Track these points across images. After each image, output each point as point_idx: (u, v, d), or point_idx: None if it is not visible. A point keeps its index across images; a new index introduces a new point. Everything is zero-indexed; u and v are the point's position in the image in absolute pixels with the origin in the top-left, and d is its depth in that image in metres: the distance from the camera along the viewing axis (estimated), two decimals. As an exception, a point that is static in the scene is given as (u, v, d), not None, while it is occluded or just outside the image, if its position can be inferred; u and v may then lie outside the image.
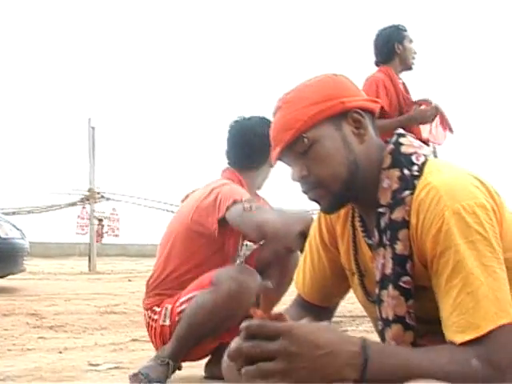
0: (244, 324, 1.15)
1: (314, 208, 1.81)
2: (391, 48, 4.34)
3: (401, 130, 1.47)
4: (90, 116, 11.26)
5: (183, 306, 2.70)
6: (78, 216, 11.69)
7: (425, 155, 1.39)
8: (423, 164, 1.36)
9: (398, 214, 1.34)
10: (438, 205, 1.27)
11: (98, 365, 3.21)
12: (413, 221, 1.32)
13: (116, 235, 16.06)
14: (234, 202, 2.61)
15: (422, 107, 4.30)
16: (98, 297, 6.88)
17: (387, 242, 1.36)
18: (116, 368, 3.13)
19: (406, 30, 4.40)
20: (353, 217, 1.51)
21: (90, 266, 10.96)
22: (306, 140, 1.37)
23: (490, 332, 1.18)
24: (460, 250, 1.23)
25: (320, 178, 1.38)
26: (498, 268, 1.23)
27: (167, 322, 2.75)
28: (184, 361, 2.81)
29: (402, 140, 1.43)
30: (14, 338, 4.21)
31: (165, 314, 2.77)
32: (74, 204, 11.46)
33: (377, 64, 4.42)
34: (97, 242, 15.68)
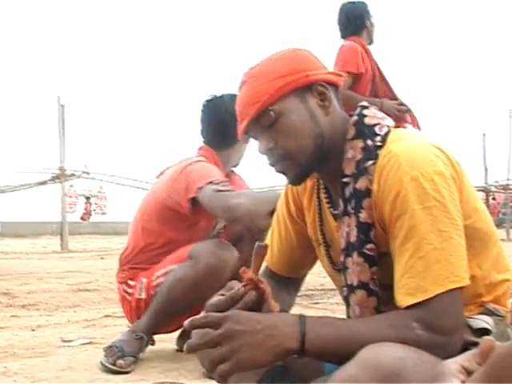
0: (187, 321, 1.24)
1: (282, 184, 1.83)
2: (362, 22, 4.46)
3: (364, 103, 1.51)
4: (60, 94, 11.12)
5: (159, 280, 2.73)
6: (66, 194, 11.61)
7: (388, 126, 1.43)
8: (386, 134, 1.40)
9: (361, 184, 1.38)
10: (397, 171, 1.31)
11: (70, 341, 3.22)
12: (374, 188, 1.36)
13: (104, 213, 15.99)
14: (206, 183, 2.62)
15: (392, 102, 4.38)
16: (70, 275, 6.85)
17: (352, 211, 1.40)
18: (89, 343, 3.15)
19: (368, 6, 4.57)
20: (318, 189, 1.55)
21: (62, 245, 10.89)
22: (272, 113, 1.40)
23: (437, 296, 1.22)
24: (415, 215, 1.27)
25: (287, 150, 1.40)
26: (455, 234, 1.27)
27: (143, 296, 2.78)
28: (156, 334, 2.84)
29: (365, 112, 1.46)
30: (-15, 317, 4.20)
31: (140, 288, 2.80)
32: (44, 183, 11.34)
33: (343, 36, 4.49)
34: (85, 220, 15.58)
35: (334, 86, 1.47)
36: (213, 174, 2.71)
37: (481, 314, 1.40)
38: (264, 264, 1.68)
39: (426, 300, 1.22)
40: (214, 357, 1.20)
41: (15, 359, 2.79)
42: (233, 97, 2.94)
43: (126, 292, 2.85)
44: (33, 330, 3.63)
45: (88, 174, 11.72)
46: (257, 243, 1.31)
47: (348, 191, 1.41)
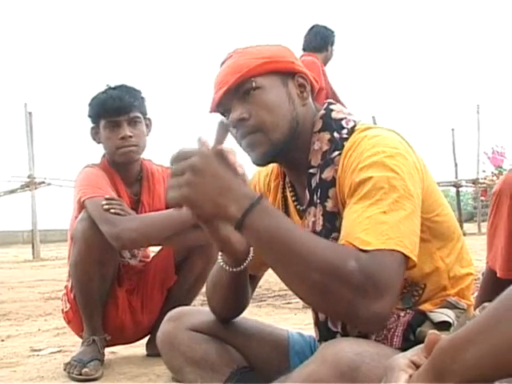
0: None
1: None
2: (326, 43, 5.11)
3: (331, 100, 1.55)
4: (26, 101, 11.00)
5: (70, 281, 2.71)
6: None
7: (354, 121, 1.46)
8: (352, 128, 1.43)
9: (327, 174, 1.40)
10: (359, 149, 1.34)
11: (40, 350, 3.18)
12: (339, 172, 1.38)
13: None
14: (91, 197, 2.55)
15: None
16: (42, 283, 6.78)
17: (318, 201, 1.41)
18: (58, 352, 3.11)
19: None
20: (284, 188, 1.56)
21: (33, 254, 10.77)
22: (254, 83, 1.41)
23: (380, 250, 1.20)
24: (371, 182, 1.28)
25: (261, 123, 1.40)
26: (409, 205, 1.26)
27: (67, 307, 2.76)
28: (127, 343, 2.83)
29: (332, 107, 1.50)
30: (-46, 329, 4.13)
31: (64, 301, 2.79)
32: (14, 191, 11.21)
33: (304, 49, 5.11)
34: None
35: (311, 86, 1.50)
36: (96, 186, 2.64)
37: (443, 307, 1.41)
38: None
39: (372, 250, 1.20)
40: (179, 180, 1.20)
41: (-17, 371, 2.74)
42: None
43: (62, 311, 2.84)
44: (2, 341, 3.58)
45: (54, 180, 11.59)
46: (220, 120, 1.28)
47: (314, 182, 1.43)
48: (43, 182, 11.32)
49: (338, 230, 1.34)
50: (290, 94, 1.45)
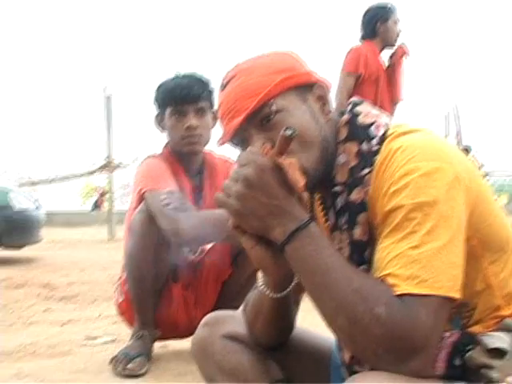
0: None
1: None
2: (374, 27, 4.78)
3: (356, 98, 1.35)
4: (105, 85, 11.17)
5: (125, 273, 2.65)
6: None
7: (385, 124, 1.26)
8: (383, 135, 1.24)
9: (356, 195, 1.22)
10: (391, 166, 1.16)
11: (95, 338, 3.18)
12: (370, 194, 1.21)
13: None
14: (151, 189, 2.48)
15: None
16: (114, 265, 6.87)
17: (344, 226, 1.25)
18: (112, 341, 3.10)
19: (393, 11, 4.82)
20: (312, 198, 1.40)
21: (109, 234, 10.99)
22: (273, 107, 1.22)
23: (412, 296, 1.04)
24: (402, 211, 1.11)
25: (290, 153, 1.18)
26: (445, 233, 1.09)
27: (121, 298, 2.70)
28: (180, 338, 2.76)
29: (358, 109, 1.30)
30: (21, 311, 4.22)
31: (118, 292, 2.73)
32: (92, 173, 11.46)
33: (362, 38, 4.88)
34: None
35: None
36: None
37: (497, 330, 1.24)
38: None
39: (402, 295, 1.05)
40: (229, 187, 1.15)
41: (33, 359, 2.75)
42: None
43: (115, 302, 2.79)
44: (61, 326, 3.62)
45: (132, 163, 11.77)
46: (284, 128, 1.14)
47: (340, 202, 1.25)
48: (120, 165, 11.51)
49: (368, 262, 1.19)
50: (312, 112, 1.25)
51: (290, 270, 1.20)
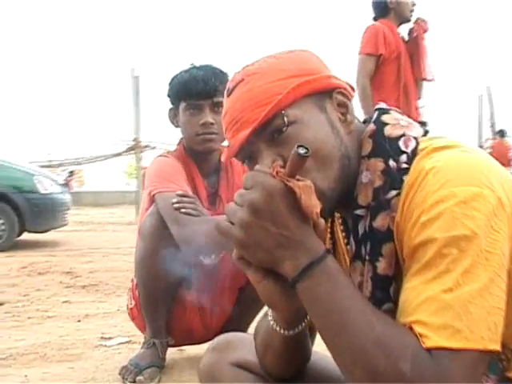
0: None
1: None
2: (385, 3, 4.44)
3: (383, 105, 1.17)
4: (133, 66, 11.07)
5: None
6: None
7: (415, 138, 1.08)
8: (414, 151, 1.05)
9: (381, 222, 1.04)
10: (421, 190, 0.98)
11: (110, 338, 3.07)
12: (397, 220, 1.03)
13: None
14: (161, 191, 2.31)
15: None
16: (139, 250, 6.80)
17: (367, 257, 1.07)
18: (127, 342, 2.99)
19: None
20: (332, 220, 1.23)
21: (137, 216, 10.96)
22: (285, 118, 1.04)
23: (443, 349, 0.87)
24: (435, 246, 0.92)
25: (305, 172, 1.02)
26: (484, 273, 0.91)
27: (132, 304, 2.55)
28: (196, 344, 2.63)
29: (385, 118, 1.12)
30: (40, 302, 4.16)
31: (129, 297, 2.58)
32: (120, 154, 11.41)
33: (375, 19, 4.55)
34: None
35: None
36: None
37: None
38: None
39: (431, 348, 0.88)
40: (234, 210, 0.98)
41: (42, 363, 2.65)
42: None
43: (127, 307, 2.65)
44: (78, 321, 3.52)
45: (159, 144, 11.70)
46: (296, 146, 0.96)
47: (362, 228, 1.08)
48: (148, 146, 11.44)
49: (393, 300, 1.02)
50: (332, 123, 1.08)
51: (302, 305, 1.02)
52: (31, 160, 11.25)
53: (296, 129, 1.04)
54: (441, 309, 0.89)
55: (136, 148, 11.00)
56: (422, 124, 5.21)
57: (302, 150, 0.95)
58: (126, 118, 11.43)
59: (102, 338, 3.09)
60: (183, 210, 2.17)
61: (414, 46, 4.52)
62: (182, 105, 2.43)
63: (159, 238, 2.25)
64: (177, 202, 2.19)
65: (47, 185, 7.43)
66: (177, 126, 2.51)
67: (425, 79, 4.56)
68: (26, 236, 7.81)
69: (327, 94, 1.10)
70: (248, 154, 1.10)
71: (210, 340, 2.67)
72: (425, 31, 4.53)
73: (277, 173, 0.98)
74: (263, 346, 1.29)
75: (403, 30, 4.60)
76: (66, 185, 14.63)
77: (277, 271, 1.00)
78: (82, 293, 4.58)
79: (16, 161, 7.78)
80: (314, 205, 0.96)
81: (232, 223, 0.99)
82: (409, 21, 4.52)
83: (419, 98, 4.60)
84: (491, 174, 0.97)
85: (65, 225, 7.98)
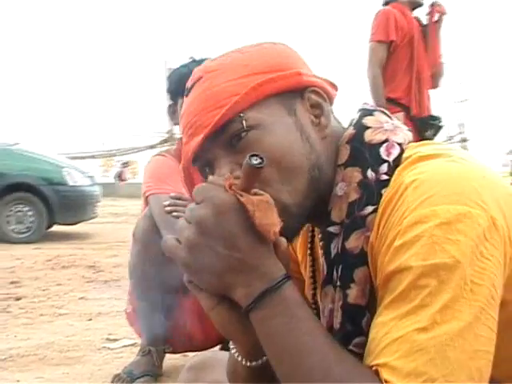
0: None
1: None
2: None
3: (368, 105, 1.01)
4: (166, 58, 11.02)
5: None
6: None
7: (400, 144, 0.92)
8: (396, 160, 0.90)
9: (354, 243, 0.90)
10: (399, 207, 0.83)
11: (115, 340, 3.00)
12: (371, 241, 0.88)
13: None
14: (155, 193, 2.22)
15: None
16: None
17: (337, 283, 0.92)
18: (131, 345, 2.90)
19: None
20: (312, 235, 1.08)
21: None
22: (244, 122, 0.90)
23: None
24: (410, 275, 0.77)
25: (269, 183, 0.89)
26: (468, 310, 0.75)
27: (130, 309, 2.46)
28: (189, 352, 2.52)
29: (366, 121, 0.96)
30: (57, 298, 4.13)
31: (128, 301, 2.49)
32: (154, 146, 11.41)
33: (386, 3, 4.23)
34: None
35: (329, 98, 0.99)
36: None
37: None
38: None
39: None
40: (182, 227, 0.83)
41: (39, 366, 2.57)
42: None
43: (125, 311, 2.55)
44: (89, 320, 3.47)
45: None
46: (248, 156, 0.80)
47: (334, 249, 0.93)
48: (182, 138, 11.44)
49: (364, 334, 0.87)
50: (301, 127, 0.93)
51: None
52: (62, 152, 11.30)
53: (257, 134, 0.90)
54: (413, 352, 0.74)
55: (170, 140, 10.96)
56: (434, 119, 4.71)
57: (255, 161, 0.81)
58: (161, 111, 11.39)
59: (107, 339, 3.02)
60: (175, 214, 2.06)
61: (430, 29, 4.20)
62: (180, 101, 2.31)
63: (151, 242, 2.15)
64: (169, 205, 2.07)
65: (77, 177, 7.43)
66: (176, 124, 2.39)
67: (438, 68, 4.25)
68: (56, 228, 7.84)
69: (298, 93, 0.95)
70: (206, 162, 0.96)
71: (210, 347, 2.57)
72: (442, 14, 4.20)
73: (230, 186, 0.84)
74: (230, 373, 1.16)
75: (420, 13, 4.27)
76: (120, 176, 14.68)
77: (231, 297, 0.88)
78: (102, 288, 4.55)
79: (46, 152, 7.79)
80: (271, 223, 0.81)
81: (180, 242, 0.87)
82: (421, 5, 4.21)
83: (435, 87, 4.27)
84: (484, 189, 0.81)
85: (94, 217, 7.99)
